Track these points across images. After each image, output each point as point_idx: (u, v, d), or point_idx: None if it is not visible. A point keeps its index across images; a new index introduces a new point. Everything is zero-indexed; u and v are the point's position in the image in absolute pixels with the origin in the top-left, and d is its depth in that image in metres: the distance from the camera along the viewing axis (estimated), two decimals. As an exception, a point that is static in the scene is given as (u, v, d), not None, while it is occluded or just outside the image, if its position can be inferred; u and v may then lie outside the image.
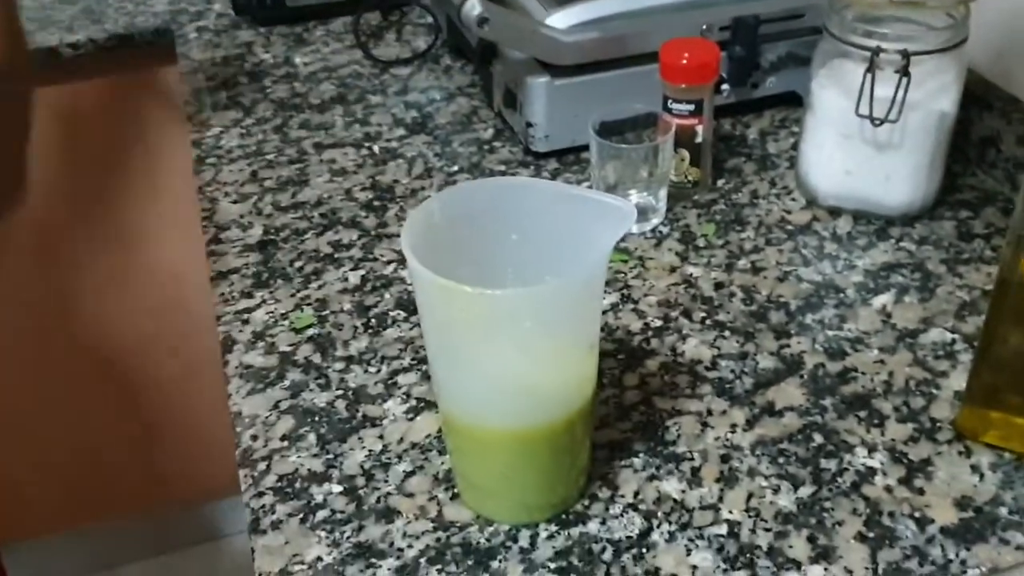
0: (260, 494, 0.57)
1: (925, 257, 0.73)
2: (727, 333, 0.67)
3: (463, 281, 0.45)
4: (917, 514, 0.54)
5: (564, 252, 0.52)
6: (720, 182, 0.83)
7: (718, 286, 0.71)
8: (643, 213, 0.77)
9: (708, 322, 0.68)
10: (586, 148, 0.79)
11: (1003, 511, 0.54)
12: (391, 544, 0.54)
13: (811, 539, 0.53)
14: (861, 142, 0.75)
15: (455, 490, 0.57)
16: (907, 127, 0.73)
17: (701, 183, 0.81)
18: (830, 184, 0.78)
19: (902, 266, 0.72)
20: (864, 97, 0.71)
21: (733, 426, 0.60)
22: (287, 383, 0.65)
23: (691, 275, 0.73)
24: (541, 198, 0.52)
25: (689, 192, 0.81)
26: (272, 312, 0.71)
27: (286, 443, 0.61)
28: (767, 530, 0.53)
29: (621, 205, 0.49)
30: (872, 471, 0.56)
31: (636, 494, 0.56)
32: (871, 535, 0.53)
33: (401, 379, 0.65)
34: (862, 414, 0.60)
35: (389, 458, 0.59)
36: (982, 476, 0.56)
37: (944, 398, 0.61)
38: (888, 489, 0.55)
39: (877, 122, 0.72)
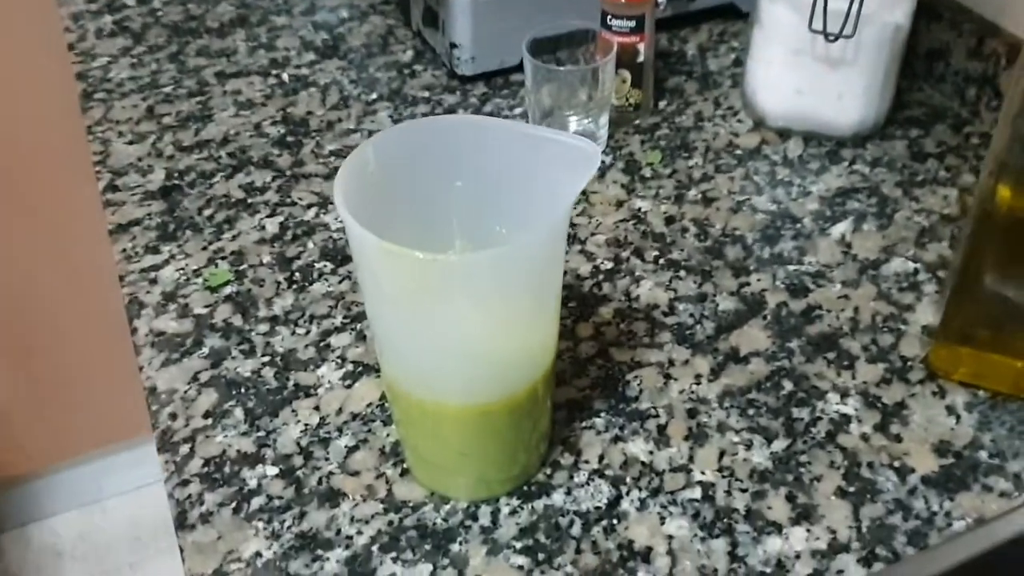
0: (185, 482, 0.51)
1: (880, 180, 0.70)
2: (683, 273, 0.63)
3: (403, 236, 0.39)
4: (896, 463, 0.51)
5: (515, 199, 0.46)
6: (662, 103, 0.78)
7: (669, 221, 0.67)
8: (584, 142, 0.72)
9: (662, 261, 0.63)
10: (517, 70, 0.73)
11: (983, 455, 0.51)
12: (338, 532, 0.49)
13: (790, 498, 0.50)
14: (812, 59, 0.70)
15: (404, 465, 0.51)
16: (861, 42, 0.68)
17: (643, 106, 0.75)
18: (780, 105, 0.73)
19: (857, 191, 0.69)
20: (817, 11, 0.67)
21: (698, 377, 0.56)
22: (206, 351, 0.58)
23: (640, 209, 0.68)
24: (489, 139, 0.46)
25: (631, 116, 0.76)
26: (183, 269, 0.64)
27: (210, 421, 0.54)
28: (743, 491, 0.50)
29: (584, 146, 0.43)
30: (847, 419, 0.53)
31: (601, 458, 0.52)
32: (851, 490, 0.50)
33: (334, 340, 0.59)
34: (831, 356, 0.57)
35: (328, 432, 0.53)
36: (958, 418, 0.53)
37: (912, 334, 0.58)
38: (864, 437, 0.52)
39: (831, 37, 0.67)
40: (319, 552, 0.48)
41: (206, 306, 0.61)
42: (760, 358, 0.57)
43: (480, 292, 0.41)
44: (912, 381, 0.55)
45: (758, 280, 0.62)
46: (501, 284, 0.41)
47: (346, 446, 0.53)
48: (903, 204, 0.68)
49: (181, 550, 0.48)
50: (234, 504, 0.50)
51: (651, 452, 0.52)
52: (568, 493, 0.50)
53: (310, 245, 0.66)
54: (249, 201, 0.69)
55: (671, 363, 0.57)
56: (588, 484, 0.50)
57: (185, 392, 0.56)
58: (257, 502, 0.50)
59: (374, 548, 0.48)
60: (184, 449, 0.53)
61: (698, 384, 0.55)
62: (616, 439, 0.53)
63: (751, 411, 0.54)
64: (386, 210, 0.45)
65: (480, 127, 0.46)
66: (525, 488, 0.50)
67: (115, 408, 1.48)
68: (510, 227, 0.48)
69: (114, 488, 1.60)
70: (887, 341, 0.58)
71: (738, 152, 0.73)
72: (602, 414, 0.54)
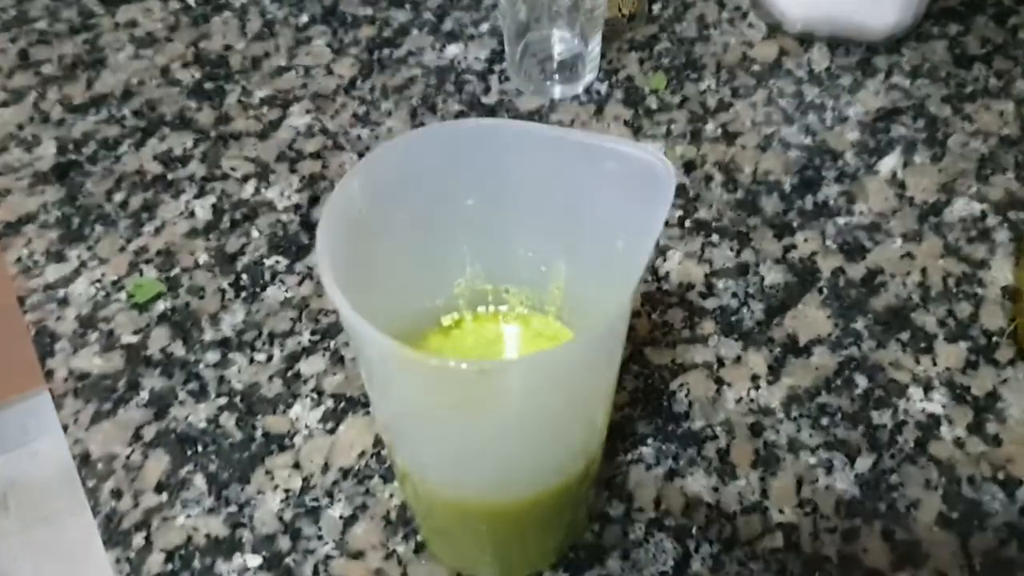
0: (145, 587, 0.41)
1: (924, 96, 0.59)
2: (715, 237, 0.52)
3: (399, 277, 0.28)
4: (1000, 475, 0.43)
5: (546, 217, 0.35)
6: (655, 7, 0.65)
7: (689, 167, 0.56)
8: (571, 67, 0.59)
9: (688, 224, 0.53)
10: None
11: (1100, 457, 0.44)
12: (350, 639, 0.39)
13: (886, 535, 0.41)
14: (842, -51, 0.58)
15: (418, 537, 0.42)
16: (901, -74, 0.56)
17: (638, 15, 0.63)
18: (799, 4, 0.61)
19: (900, 112, 0.58)
20: None
21: (755, 379, 0.46)
22: (145, 396, 0.47)
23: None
24: (507, 145, 0.34)
25: (623, 29, 0.63)
26: (99, 281, 0.51)
27: (164, 496, 0.43)
28: (831, 530, 0.42)
29: (652, 161, 0.32)
30: (935, 420, 0.45)
31: (658, 503, 0.43)
32: (955, 516, 0.42)
33: (304, 367, 0.47)
34: (904, 336, 0.48)
35: (316, 499, 0.43)
36: (1064, 409, 0.45)
37: (991, 299, 0.49)
38: (959, 443, 0.44)
39: (871, -75, 0.55)
40: (331, 672, 0.38)
41: (136, 331, 0.49)
42: (823, 347, 0.48)
43: (534, 397, 0.30)
44: (1001, 363, 0.47)
45: (805, 241, 0.52)
46: (552, 388, 0.30)
47: (341, 516, 0.42)
48: (955, 125, 0.57)
49: None
50: (213, 612, 0.40)
51: (716, 489, 0.43)
52: (625, 557, 0.41)
53: (254, 233, 0.53)
54: (169, 177, 0.56)
55: (720, 362, 0.47)
56: (647, 541, 0.41)
57: (128, 458, 0.45)
58: (241, 606, 0.40)
59: (398, 658, 0.39)
60: (138, 540, 0.42)
61: (756, 388, 0.46)
62: (672, 474, 0.43)
63: (824, 420, 0.45)
64: (375, 247, 0.33)
65: (500, 132, 0.34)
66: (572, 555, 0.41)
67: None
68: (540, 252, 0.36)
69: (41, 431, 1.48)
70: (965, 311, 0.49)
71: (755, 68, 0.61)
72: (649, 441, 0.44)
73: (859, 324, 0.48)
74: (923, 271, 0.50)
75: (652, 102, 0.59)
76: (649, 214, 0.31)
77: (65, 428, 0.46)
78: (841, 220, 0.53)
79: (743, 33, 0.63)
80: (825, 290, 0.50)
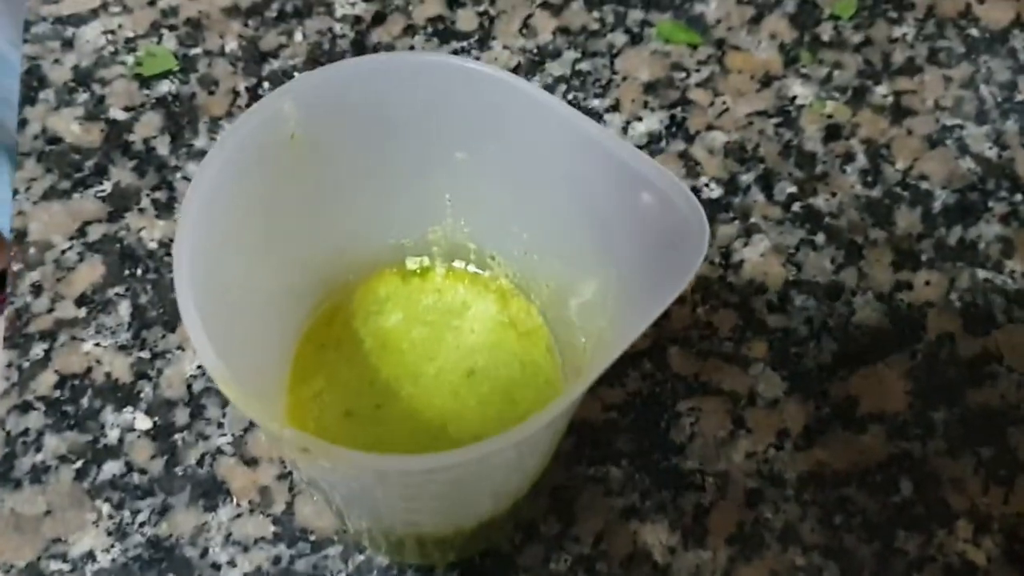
0: (25, 407, 0.36)
1: None
2: (820, 238, 0.41)
3: (346, 202, 0.22)
4: (1018, 671, 0.34)
5: (548, 205, 0.26)
6: (888, -95, 0.50)
7: (831, 134, 0.44)
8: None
9: (797, 208, 0.42)
10: None
11: None
12: (204, 552, 0.35)
13: None
14: None
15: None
16: None
17: (858, -87, 0.48)
18: (1070, -31, 0.46)
19: None
20: None
21: (783, 435, 0.37)
22: (107, 187, 0.41)
23: (793, 100, 0.45)
24: (528, 116, 0.24)
25: (833, -76, 0.49)
26: (113, 33, 0.44)
27: (83, 312, 0.38)
28: (781, 655, 0.34)
29: (686, 212, 0.22)
30: (971, 572, 0.36)
31: (598, 540, 0.35)
32: None
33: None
34: (985, 453, 0.38)
35: None
36: None
37: (1123, 445, 0.38)
38: (987, 612, 0.35)
39: None
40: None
41: (128, 108, 0.42)
42: (882, 427, 0.38)
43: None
44: (1093, 531, 0.37)
45: (926, 284, 0.41)
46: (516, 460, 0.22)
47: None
48: None
49: (-7, 517, 0.35)
50: (80, 463, 0.36)
51: (672, 550, 0.35)
52: (532, 586, 0.35)
53: (297, 37, 0.44)
54: (236, -69, 0.47)
55: (752, 399, 0.38)
56: (566, 578, 0.35)
57: (63, 253, 0.39)
58: (112, 469, 0.36)
59: (244, 596, 0.34)
60: (37, 350, 0.37)
61: (778, 448, 0.37)
62: (630, 513, 0.36)
63: (838, 518, 0.36)
64: (319, 173, 0.25)
65: (509, 91, 0.24)
66: (479, 560, 0.35)
67: None
68: (535, 240, 0.28)
69: None
70: (1081, 449, 0.38)
71: (973, 31, 0.47)
72: (623, 462, 0.37)
73: (939, 415, 0.38)
74: (1054, 378, 0.39)
75: (826, 30, 0.46)
76: (664, 269, 0.22)
77: (15, 193, 0.40)
78: (983, 274, 0.41)
79: (983, -21, 0.48)
80: (920, 356, 0.39)
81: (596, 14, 0.47)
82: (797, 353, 0.39)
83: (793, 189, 0.42)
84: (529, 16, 0.46)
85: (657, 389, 0.38)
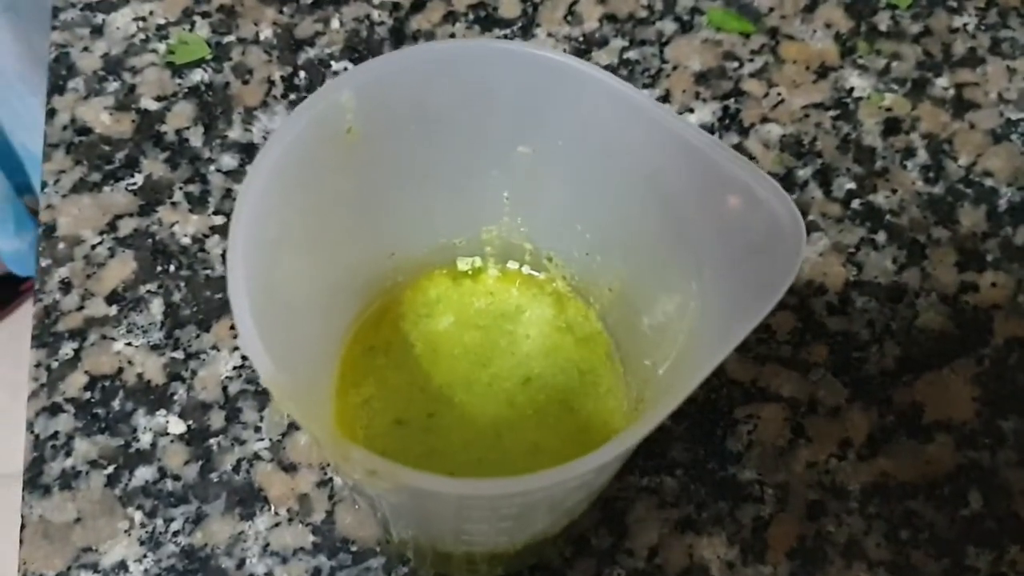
0: (54, 409, 0.35)
1: None
2: (881, 236, 0.39)
3: (396, 199, 0.21)
4: None
5: (620, 212, 0.24)
6: None
7: (889, 128, 0.42)
8: (802, -62, 0.44)
9: (856, 205, 0.40)
10: None
11: None
12: (241, 563, 0.33)
13: None
14: None
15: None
16: None
17: None
18: None
19: None
20: None
21: (844, 445, 0.36)
22: (139, 180, 0.39)
23: (850, 92, 0.43)
24: (606, 107, 0.23)
25: (891, -93, 0.47)
26: (144, 20, 0.42)
27: (114, 310, 0.37)
28: (846, 677, 0.32)
29: (782, 215, 0.20)
30: (1047, 591, 0.34)
31: (652, 554, 0.34)
32: None
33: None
34: (1060, 464, 0.36)
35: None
36: None
37: None
38: (1063, 633, 0.33)
39: None
40: (204, 596, 0.33)
41: (159, 97, 0.41)
42: (949, 436, 0.36)
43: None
44: None
45: (992, 285, 0.39)
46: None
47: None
48: None
49: (23, 522, 0.34)
50: (112, 469, 0.34)
51: (730, 564, 0.34)
52: (585, 602, 0.33)
53: (334, 24, 0.43)
54: (269, -86, 0.45)
55: (812, 406, 0.36)
56: (619, 594, 0.33)
57: (93, 248, 0.38)
58: (144, 475, 0.34)
59: (283, 610, 0.32)
60: (66, 350, 0.36)
61: (841, 459, 0.35)
62: (686, 524, 0.34)
63: (905, 532, 0.34)
64: (372, 167, 0.24)
65: (580, 80, 0.22)
66: (523, 575, 0.33)
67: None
68: (598, 241, 0.26)
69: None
70: None
71: (1041, 21, 0.45)
72: (677, 472, 0.35)
73: (1009, 424, 0.36)
74: None
75: (883, 20, 0.44)
76: (753, 276, 0.20)
77: (43, 186, 0.39)
78: (1054, 275, 0.39)
79: (1048, -34, 0.46)
80: (987, 362, 0.37)
81: (644, 1, 0.45)
82: (859, 358, 0.37)
83: (852, 185, 0.41)
84: (575, 2, 0.44)
85: (713, 395, 0.36)
